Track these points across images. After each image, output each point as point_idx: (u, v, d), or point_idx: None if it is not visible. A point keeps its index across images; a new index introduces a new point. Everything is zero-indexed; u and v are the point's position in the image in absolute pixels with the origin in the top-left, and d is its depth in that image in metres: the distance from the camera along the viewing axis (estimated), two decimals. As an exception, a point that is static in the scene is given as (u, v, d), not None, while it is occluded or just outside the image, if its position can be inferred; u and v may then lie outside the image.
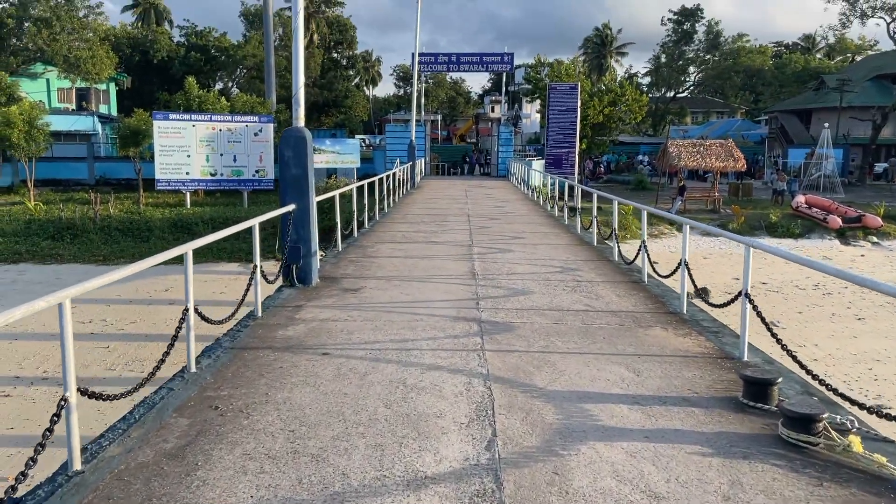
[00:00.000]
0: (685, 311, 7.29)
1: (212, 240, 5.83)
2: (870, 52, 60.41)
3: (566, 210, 16.72)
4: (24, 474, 3.27)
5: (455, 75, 79.76)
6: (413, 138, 32.55)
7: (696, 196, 31.83)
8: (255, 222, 6.86)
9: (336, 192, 11.43)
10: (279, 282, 8.40)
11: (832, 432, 4.06)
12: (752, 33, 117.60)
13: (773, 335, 5.24)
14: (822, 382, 4.68)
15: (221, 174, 28.38)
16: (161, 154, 27.38)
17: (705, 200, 31.41)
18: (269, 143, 28.46)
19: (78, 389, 3.69)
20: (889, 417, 4.10)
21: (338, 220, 11.30)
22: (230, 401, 4.64)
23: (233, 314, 6.33)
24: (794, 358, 5.01)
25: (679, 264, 7.47)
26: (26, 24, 38.39)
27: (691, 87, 68.43)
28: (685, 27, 61.32)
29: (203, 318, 5.55)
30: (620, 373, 5.30)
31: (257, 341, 6.07)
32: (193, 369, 5.26)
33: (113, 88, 49.27)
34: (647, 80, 66.12)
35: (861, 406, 4.41)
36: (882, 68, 47.76)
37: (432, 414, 4.45)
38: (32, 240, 22.67)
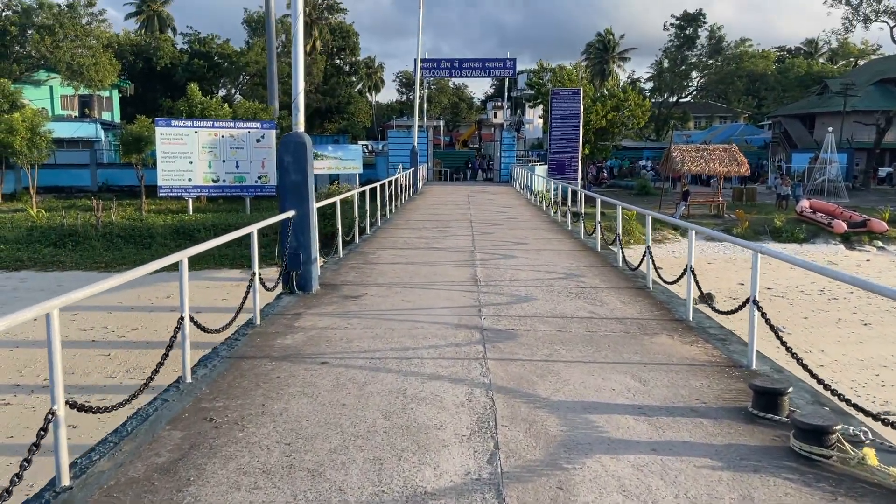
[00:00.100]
0: (691, 318, 7.16)
1: (207, 247, 5.73)
2: (873, 57, 60.27)
3: (569, 215, 16.60)
4: (8, 491, 3.15)
5: (458, 81, 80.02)
6: (415, 144, 32.45)
7: (700, 201, 31.67)
8: (252, 229, 6.76)
9: (337, 198, 11.34)
10: (279, 289, 8.29)
11: (846, 444, 3.93)
12: (755, 38, 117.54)
13: (785, 345, 5.11)
14: (833, 392, 4.55)
15: (224, 180, 28.34)
16: (163, 161, 27.36)
17: (709, 205, 31.26)
18: (272, 150, 28.40)
19: (67, 402, 3.58)
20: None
21: (338, 226, 11.20)
22: (225, 412, 4.53)
23: (230, 323, 6.21)
24: (805, 367, 4.88)
25: (685, 270, 7.35)
26: (30, 32, 38.49)
27: (694, 92, 68.30)
28: (688, 32, 61.21)
29: (199, 326, 5.43)
30: (626, 382, 5.17)
31: (255, 350, 5.96)
32: (189, 379, 5.14)
33: (116, 95, 49.39)
34: (649, 85, 66.09)
35: (875, 417, 4.27)
36: (886, 72, 47.57)
37: (433, 426, 4.32)
38: (34, 247, 22.63)
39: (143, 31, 60.33)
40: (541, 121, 56.19)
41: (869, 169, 43.64)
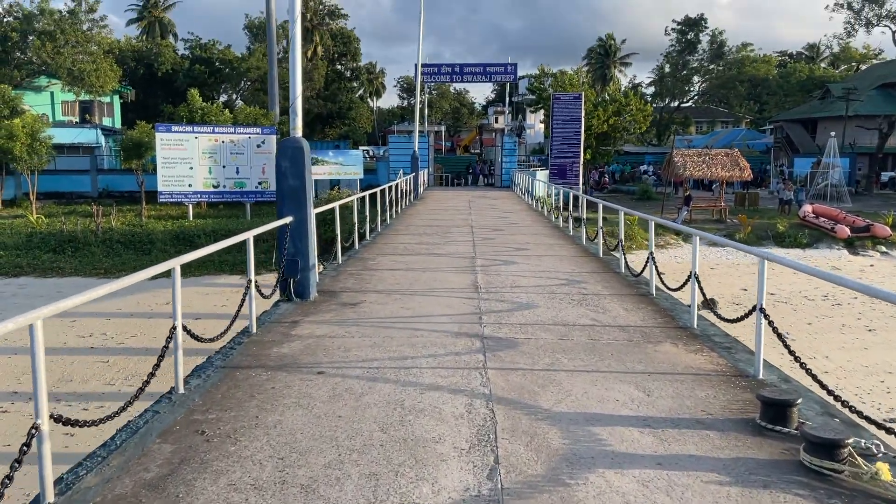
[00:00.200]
0: (696, 326, 7.03)
1: (200, 255, 5.61)
2: (874, 61, 60.17)
3: (571, 221, 16.47)
4: (-12, 510, 3.03)
5: (459, 86, 79.96)
6: (416, 149, 32.37)
7: (702, 206, 31.56)
8: (248, 236, 6.65)
9: (336, 204, 11.22)
10: (276, 296, 8.17)
11: (858, 458, 3.80)
12: (757, 43, 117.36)
13: (798, 359, 4.98)
14: (844, 404, 4.42)
15: (224, 186, 28.25)
16: (164, 166, 27.27)
17: (711, 210, 31.13)
18: (272, 155, 28.29)
19: (51, 416, 3.46)
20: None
21: (338, 232, 11.08)
22: (218, 425, 4.40)
23: (225, 331, 6.09)
24: (816, 378, 4.74)
25: (689, 277, 7.22)
26: (30, 38, 38.48)
27: (695, 97, 68.26)
28: (689, 37, 61.21)
29: (193, 336, 5.31)
30: (630, 392, 5.04)
31: (250, 359, 5.83)
32: (182, 390, 5.02)
33: (117, 101, 49.39)
34: (651, 89, 66.04)
35: (889, 430, 4.14)
36: (888, 77, 47.45)
37: (431, 439, 4.19)
38: (34, 253, 22.54)
39: (144, 37, 60.39)
40: (542, 126, 56.08)
41: (871, 173, 43.50)
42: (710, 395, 5.01)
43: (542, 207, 22.48)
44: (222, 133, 28.11)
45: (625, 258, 10.48)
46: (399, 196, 20.85)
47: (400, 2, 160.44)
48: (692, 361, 5.85)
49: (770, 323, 5.24)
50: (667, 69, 63.24)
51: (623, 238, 10.67)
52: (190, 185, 27.67)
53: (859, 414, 4.32)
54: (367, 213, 15.27)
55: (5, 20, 39.08)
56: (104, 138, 41.35)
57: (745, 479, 3.72)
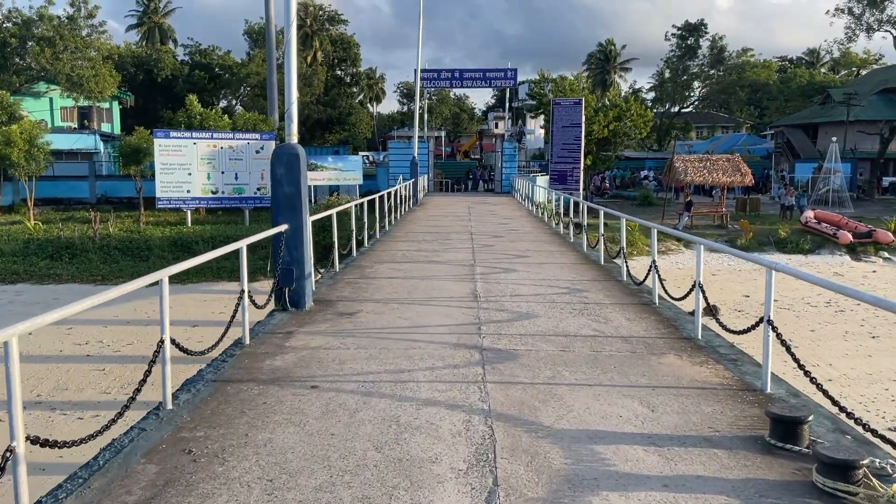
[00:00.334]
0: (700, 336, 6.86)
1: (191, 265, 5.45)
2: (875, 66, 60.10)
3: (571, 227, 16.31)
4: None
5: (459, 92, 79.95)
6: (416, 155, 32.24)
7: (704, 211, 31.41)
8: (242, 244, 6.48)
9: (333, 210, 11.05)
10: (271, 305, 8.00)
11: (873, 480, 3.63)
12: (757, 48, 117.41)
13: (808, 375, 4.80)
14: (857, 421, 4.25)
15: (223, 192, 28.12)
16: (162, 172, 27.14)
17: (712, 216, 30.98)
18: (271, 161, 28.20)
19: (27, 438, 3.29)
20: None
21: (335, 239, 10.92)
22: (206, 443, 4.23)
23: (216, 344, 5.92)
24: (828, 395, 4.57)
25: (693, 286, 7.05)
26: (29, 44, 38.40)
27: (696, 102, 68.18)
28: (689, 42, 61.17)
29: (182, 349, 5.15)
30: (634, 408, 4.87)
31: (242, 372, 5.66)
32: (170, 406, 4.84)
33: (116, 107, 49.32)
34: (651, 95, 65.96)
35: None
36: (888, 82, 47.36)
37: (427, 458, 4.02)
38: (31, 259, 22.40)
39: (144, 43, 60.41)
40: (542, 131, 56.06)
41: (873, 179, 43.38)
42: (716, 410, 4.84)
43: (543, 213, 22.32)
44: (221, 139, 28.00)
45: (626, 266, 10.32)
46: (398, 202, 20.70)
47: (399, 7, 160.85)
48: (697, 374, 5.68)
49: (778, 336, 5.08)
50: (667, 74, 63.19)
51: (625, 245, 10.50)
52: (188, 191, 27.54)
53: (874, 432, 4.15)
54: (366, 220, 15.11)
55: (4, 26, 39.00)
56: (103, 144, 41.26)
57: (755, 501, 3.55)
